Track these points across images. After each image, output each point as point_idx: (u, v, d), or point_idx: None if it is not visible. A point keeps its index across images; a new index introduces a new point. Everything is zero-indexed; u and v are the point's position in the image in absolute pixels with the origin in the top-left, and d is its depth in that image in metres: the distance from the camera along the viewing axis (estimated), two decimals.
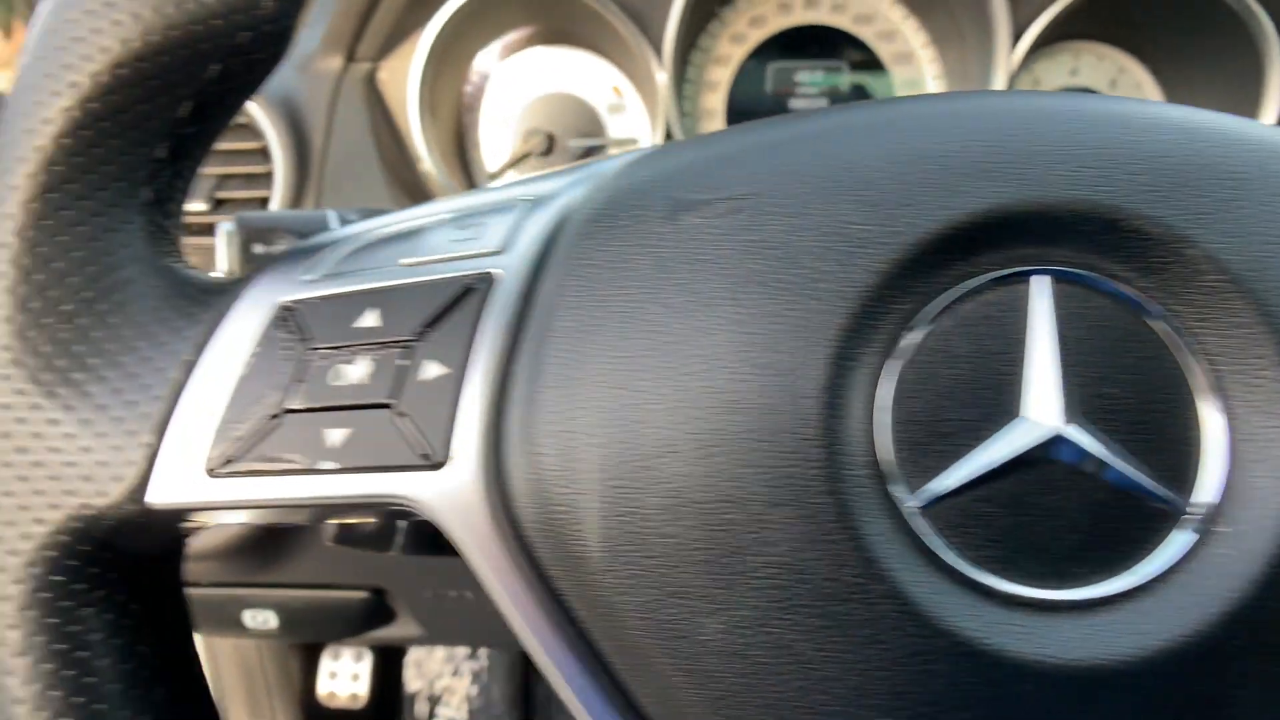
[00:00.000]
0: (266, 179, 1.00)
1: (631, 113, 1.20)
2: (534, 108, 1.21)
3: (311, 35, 1.08)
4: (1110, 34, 1.19)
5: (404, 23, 1.05)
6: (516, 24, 1.15)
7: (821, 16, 1.19)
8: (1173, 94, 1.19)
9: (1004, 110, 0.35)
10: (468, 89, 1.18)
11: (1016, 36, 1.06)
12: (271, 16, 0.42)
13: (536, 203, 0.42)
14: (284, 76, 1.04)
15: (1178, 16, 1.09)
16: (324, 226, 0.71)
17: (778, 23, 1.20)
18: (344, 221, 0.72)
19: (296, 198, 1.00)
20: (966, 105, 0.35)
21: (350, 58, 1.06)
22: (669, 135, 1.07)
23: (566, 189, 0.42)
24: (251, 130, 1.00)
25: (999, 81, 1.06)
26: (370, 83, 1.07)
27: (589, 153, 1.21)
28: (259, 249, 0.66)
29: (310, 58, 1.06)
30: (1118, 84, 1.20)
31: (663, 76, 1.06)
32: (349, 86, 1.05)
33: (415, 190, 1.08)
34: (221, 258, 0.68)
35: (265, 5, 0.42)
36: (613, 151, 1.21)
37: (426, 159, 1.06)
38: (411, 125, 1.05)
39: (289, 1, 0.43)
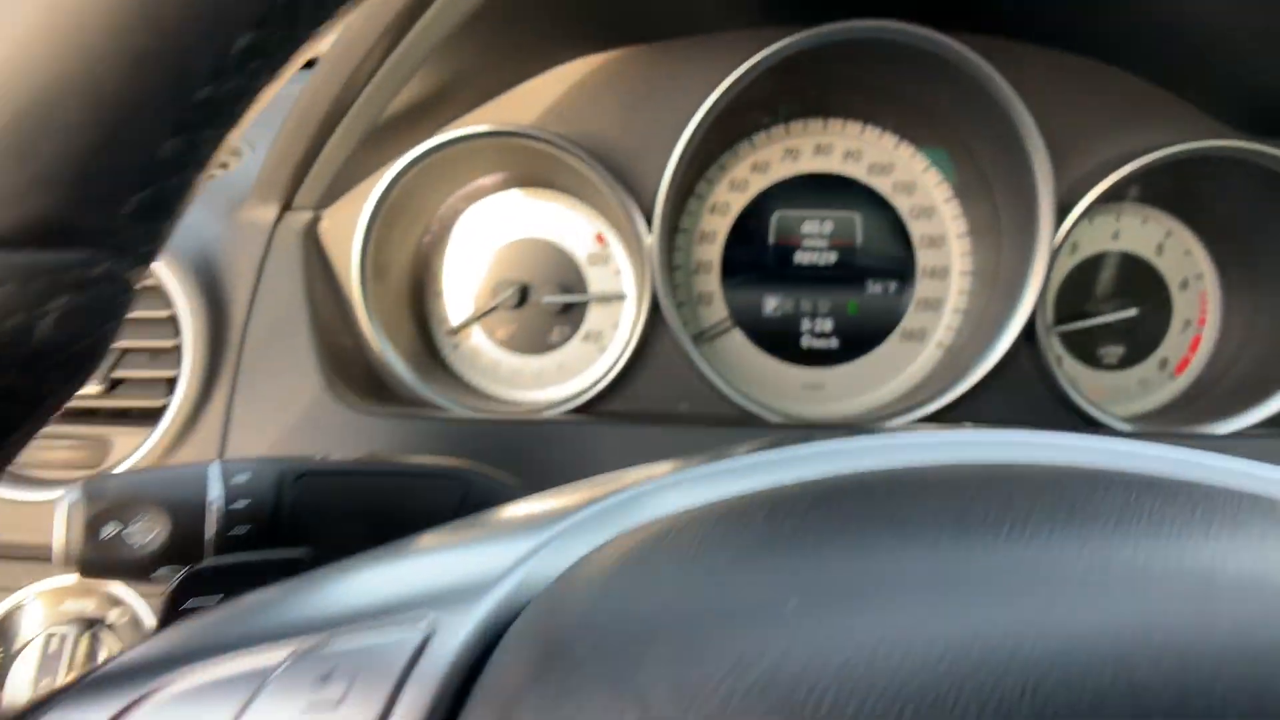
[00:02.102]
0: (174, 355, 0.84)
1: (616, 263, 1.06)
2: (505, 255, 1.06)
3: (241, 177, 0.94)
4: (1155, 197, 1.05)
5: (354, 166, 0.91)
6: (486, 170, 1.00)
7: (832, 165, 1.06)
8: (1224, 261, 1.05)
9: None
10: (426, 239, 1.02)
11: (1062, 207, 0.92)
12: None
13: (431, 633, 0.27)
14: (202, 227, 0.89)
15: (1237, 185, 0.95)
16: (200, 488, 0.55)
17: (783, 170, 1.06)
18: (227, 477, 0.56)
19: (209, 378, 0.84)
20: None
21: (287, 205, 0.91)
22: (655, 297, 0.92)
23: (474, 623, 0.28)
24: (159, 294, 0.84)
25: (1043, 239, 0.92)
26: (310, 234, 0.92)
27: (567, 309, 1.06)
28: (109, 530, 0.50)
29: (237, 204, 0.91)
30: (1165, 249, 1.06)
31: (650, 240, 0.91)
32: (283, 238, 0.90)
33: (350, 362, 0.92)
34: (59, 539, 0.51)
35: None
36: (594, 308, 1.06)
37: (366, 324, 0.90)
38: (354, 287, 0.90)
39: None
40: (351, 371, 0.92)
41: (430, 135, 0.91)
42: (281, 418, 0.85)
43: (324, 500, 0.59)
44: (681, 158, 0.89)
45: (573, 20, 0.88)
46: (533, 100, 0.93)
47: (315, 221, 0.93)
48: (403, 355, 0.94)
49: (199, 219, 0.89)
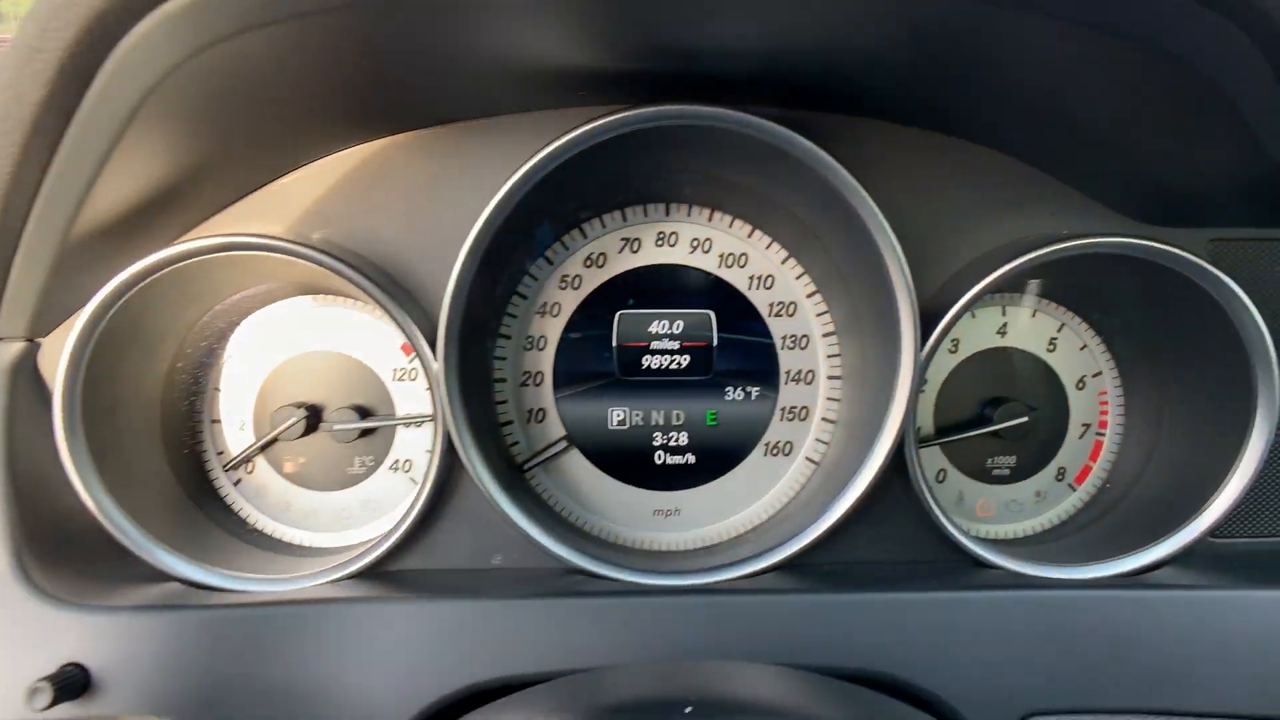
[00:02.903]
0: None
1: (427, 379, 0.89)
2: (288, 374, 0.88)
3: None
4: (1044, 289, 0.93)
5: (76, 285, 0.73)
6: (252, 279, 0.83)
7: (678, 256, 0.91)
8: (1123, 358, 0.93)
9: None
10: (180, 364, 0.85)
11: (934, 303, 0.79)
12: None
13: None
14: None
15: (1131, 277, 0.83)
16: None
17: (622, 263, 0.91)
18: None
19: None
20: None
21: None
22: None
23: None
24: None
25: (906, 341, 0.78)
26: (22, 369, 0.74)
27: (368, 434, 0.89)
28: None
29: None
30: (1058, 345, 0.93)
31: (437, 365, 0.75)
32: None
33: (78, 528, 0.74)
34: None
35: None
36: (402, 433, 0.89)
37: (76, 478, 0.72)
38: (59, 434, 0.72)
39: None
40: (79, 539, 0.74)
41: (170, 242, 0.74)
42: None
43: None
44: (469, 260, 0.73)
45: (341, 101, 0.72)
46: (295, 197, 0.78)
47: (32, 352, 0.75)
48: (140, 512, 0.76)
49: None
